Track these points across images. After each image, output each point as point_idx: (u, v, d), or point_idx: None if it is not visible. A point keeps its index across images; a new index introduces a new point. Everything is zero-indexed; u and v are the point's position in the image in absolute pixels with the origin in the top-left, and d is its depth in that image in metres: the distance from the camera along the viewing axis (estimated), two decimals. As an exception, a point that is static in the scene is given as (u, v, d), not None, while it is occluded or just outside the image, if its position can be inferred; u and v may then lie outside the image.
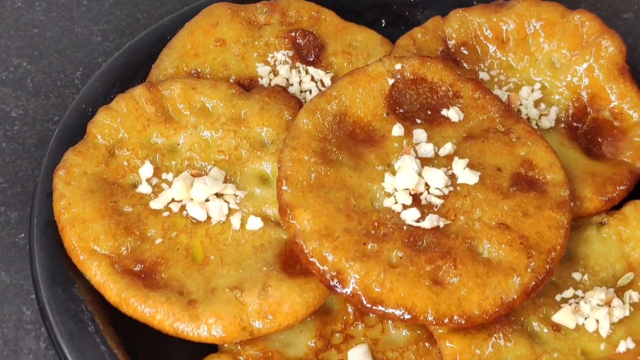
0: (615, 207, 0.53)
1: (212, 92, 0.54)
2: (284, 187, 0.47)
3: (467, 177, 0.48)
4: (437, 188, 0.48)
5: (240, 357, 0.46)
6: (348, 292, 0.44)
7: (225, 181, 0.51)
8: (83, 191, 0.49)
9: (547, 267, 0.46)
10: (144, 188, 0.51)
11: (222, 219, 0.50)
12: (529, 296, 0.45)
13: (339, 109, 0.51)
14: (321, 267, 0.44)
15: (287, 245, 0.48)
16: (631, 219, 0.51)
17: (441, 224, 0.47)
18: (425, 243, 0.46)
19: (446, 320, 0.43)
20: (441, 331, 0.45)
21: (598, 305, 0.47)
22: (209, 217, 0.50)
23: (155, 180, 0.51)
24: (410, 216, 0.47)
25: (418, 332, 0.47)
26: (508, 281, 0.44)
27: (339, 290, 0.44)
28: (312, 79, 0.58)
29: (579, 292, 0.48)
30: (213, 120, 0.53)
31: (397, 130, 0.51)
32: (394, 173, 0.48)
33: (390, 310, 0.44)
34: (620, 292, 0.48)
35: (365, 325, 0.48)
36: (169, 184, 0.51)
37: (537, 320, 0.47)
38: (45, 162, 0.52)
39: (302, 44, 0.60)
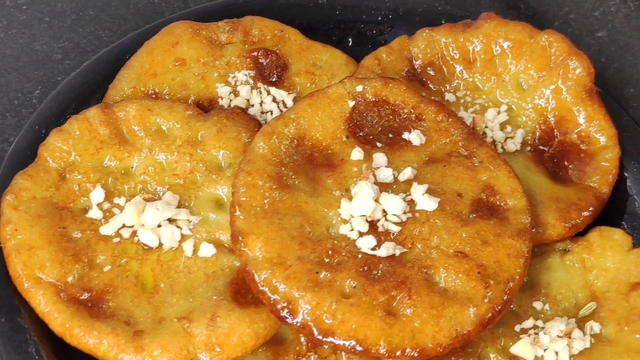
0: (580, 233, 0.52)
1: (168, 113, 0.53)
2: (237, 213, 0.46)
3: (426, 203, 0.47)
4: (394, 214, 0.47)
5: None
6: (298, 323, 0.42)
7: (179, 206, 0.50)
8: (31, 217, 0.48)
9: (505, 297, 0.44)
10: (95, 213, 0.49)
11: (174, 245, 0.48)
12: (485, 327, 0.44)
13: (296, 132, 0.49)
14: (272, 297, 0.43)
15: (239, 273, 0.47)
16: (595, 246, 0.50)
17: (397, 252, 0.45)
18: (380, 272, 0.44)
19: (398, 353, 0.42)
20: None
21: (558, 336, 0.46)
22: (160, 244, 0.48)
23: (106, 205, 0.50)
24: (366, 244, 0.45)
25: (373, 363, 0.46)
26: (464, 312, 0.43)
27: (289, 321, 0.43)
28: (274, 99, 0.57)
29: (539, 322, 0.47)
30: (169, 142, 0.52)
31: (357, 154, 0.49)
32: (350, 199, 0.47)
33: (341, 342, 0.42)
34: (581, 322, 0.47)
35: (319, 357, 0.46)
36: (121, 208, 0.50)
37: (494, 352, 0.46)
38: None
39: (264, 63, 0.58)
